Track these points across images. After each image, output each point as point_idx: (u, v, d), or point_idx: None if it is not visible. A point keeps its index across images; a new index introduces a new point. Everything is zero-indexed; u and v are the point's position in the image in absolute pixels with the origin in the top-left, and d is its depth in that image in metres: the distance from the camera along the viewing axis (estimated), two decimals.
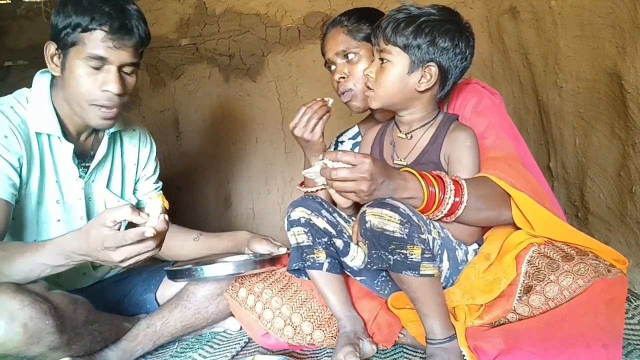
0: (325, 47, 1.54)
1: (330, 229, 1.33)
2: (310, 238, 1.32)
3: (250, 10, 2.81)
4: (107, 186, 1.54)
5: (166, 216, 1.06)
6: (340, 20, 1.52)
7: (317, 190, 1.49)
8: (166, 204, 1.06)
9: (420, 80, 1.27)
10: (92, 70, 1.30)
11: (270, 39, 2.82)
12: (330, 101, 1.41)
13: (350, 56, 1.48)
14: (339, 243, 1.34)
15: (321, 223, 1.32)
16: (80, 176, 1.45)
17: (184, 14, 2.86)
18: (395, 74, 1.28)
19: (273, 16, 2.81)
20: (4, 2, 2.91)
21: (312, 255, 1.32)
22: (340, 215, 1.37)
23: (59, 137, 1.39)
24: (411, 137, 1.35)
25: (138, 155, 1.64)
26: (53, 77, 1.40)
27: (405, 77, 1.27)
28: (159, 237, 1.06)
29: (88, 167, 1.48)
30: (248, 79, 2.87)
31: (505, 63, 2.49)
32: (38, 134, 1.37)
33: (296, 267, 1.34)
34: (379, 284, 1.36)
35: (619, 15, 1.62)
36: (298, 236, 1.33)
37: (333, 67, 1.53)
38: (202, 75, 2.89)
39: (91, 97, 1.32)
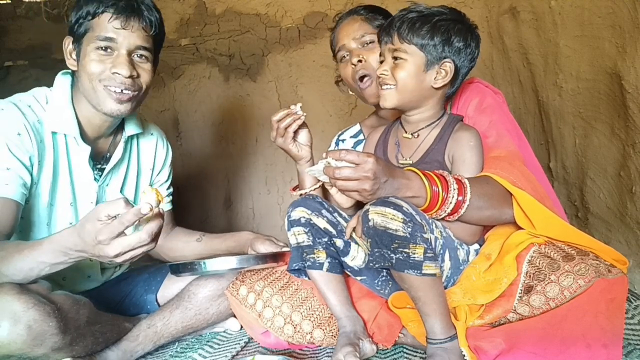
0: (340, 35, 1.53)
1: (330, 228, 1.34)
2: (311, 238, 1.32)
3: (250, 10, 2.81)
4: (121, 190, 1.53)
5: (161, 209, 1.03)
6: (356, 10, 1.54)
7: (310, 192, 1.48)
8: (160, 197, 1.03)
9: (436, 77, 1.29)
10: (102, 54, 1.32)
11: (270, 39, 2.82)
12: (298, 105, 1.41)
13: (368, 41, 1.48)
14: (339, 243, 1.35)
15: (321, 223, 1.33)
16: (94, 179, 1.45)
17: (184, 14, 2.86)
18: (412, 72, 1.28)
19: (273, 16, 2.81)
20: (4, 2, 2.91)
21: (312, 255, 1.32)
22: (340, 215, 1.38)
23: (76, 139, 1.38)
24: (417, 136, 1.36)
25: (154, 161, 1.64)
26: (74, 78, 1.40)
27: (422, 75, 1.28)
28: (153, 231, 1.02)
29: (103, 171, 1.47)
30: (248, 79, 2.87)
31: (505, 63, 2.49)
32: (54, 134, 1.36)
33: (296, 267, 1.34)
34: (380, 283, 1.36)
35: (619, 15, 1.62)
36: (298, 236, 1.33)
37: (346, 55, 1.52)
38: (202, 75, 2.89)
39: (101, 77, 1.32)
